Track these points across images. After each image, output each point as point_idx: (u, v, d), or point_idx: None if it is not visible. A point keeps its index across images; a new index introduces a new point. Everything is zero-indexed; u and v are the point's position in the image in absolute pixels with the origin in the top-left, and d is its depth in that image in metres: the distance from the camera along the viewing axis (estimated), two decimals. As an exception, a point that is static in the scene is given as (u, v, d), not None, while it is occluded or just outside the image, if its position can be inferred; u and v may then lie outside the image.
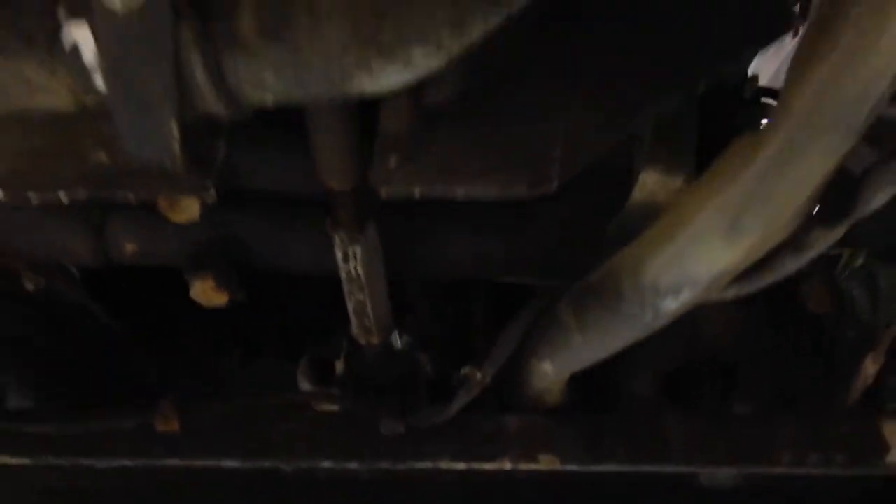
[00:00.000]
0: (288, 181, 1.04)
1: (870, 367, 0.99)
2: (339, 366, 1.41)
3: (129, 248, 1.09)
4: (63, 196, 0.73)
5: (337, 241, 0.95)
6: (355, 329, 1.08)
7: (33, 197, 0.72)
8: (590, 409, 1.10)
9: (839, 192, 0.58)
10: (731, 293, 0.70)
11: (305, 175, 0.96)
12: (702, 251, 0.64)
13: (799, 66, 0.54)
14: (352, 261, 0.97)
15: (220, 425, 1.07)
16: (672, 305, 0.70)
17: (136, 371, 1.38)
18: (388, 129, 0.75)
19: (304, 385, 1.44)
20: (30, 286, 1.20)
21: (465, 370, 0.97)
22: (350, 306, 1.04)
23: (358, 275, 0.99)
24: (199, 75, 0.62)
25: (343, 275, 1.00)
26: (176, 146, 0.67)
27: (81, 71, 0.63)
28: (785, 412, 1.17)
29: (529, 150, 0.71)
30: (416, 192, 0.75)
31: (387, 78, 0.63)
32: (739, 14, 0.76)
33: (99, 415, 1.09)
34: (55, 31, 0.63)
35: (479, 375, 0.95)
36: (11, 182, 0.73)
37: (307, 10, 0.60)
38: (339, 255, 0.98)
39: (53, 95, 0.67)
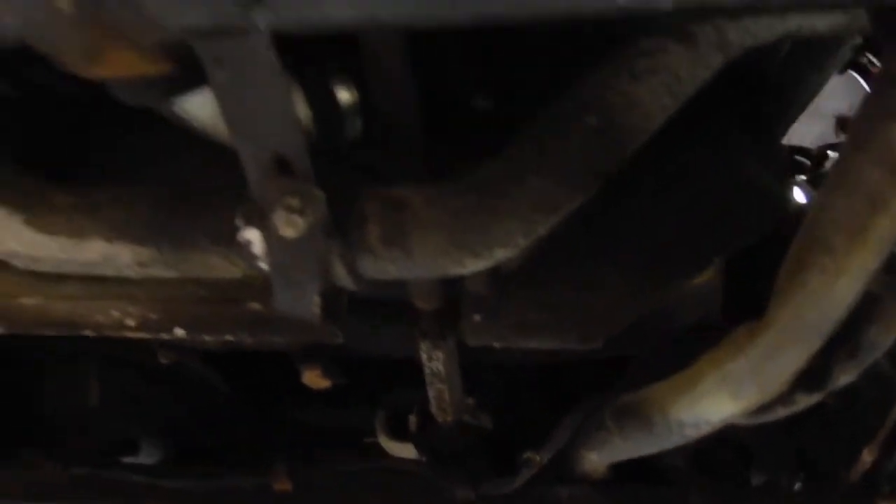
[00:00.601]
0: (380, 291, 1.25)
1: (867, 457, 1.15)
2: (413, 420, 1.62)
3: (249, 339, 1.31)
4: (229, 337, 0.95)
5: (423, 346, 1.16)
6: (434, 409, 1.28)
7: (207, 338, 0.94)
8: (630, 478, 1.28)
9: (813, 371, 0.77)
10: (741, 422, 0.89)
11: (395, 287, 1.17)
12: (712, 403, 0.82)
13: (780, 286, 0.72)
14: (434, 361, 1.18)
15: (324, 485, 1.29)
16: (693, 433, 0.89)
17: (243, 426, 1.61)
18: (472, 292, 0.96)
19: (383, 438, 1.65)
20: (164, 360, 1.44)
21: (527, 454, 1.16)
22: (431, 393, 1.25)
23: (439, 371, 1.19)
24: (338, 269, 0.84)
25: (426, 370, 1.21)
26: (317, 309, 0.88)
27: (251, 259, 0.85)
28: (793, 486, 1.34)
29: (580, 313, 0.91)
30: (497, 344, 0.95)
31: (474, 266, 0.84)
32: (750, 200, 0.94)
33: (226, 473, 1.31)
34: (234, 232, 0.85)
35: (538, 458, 1.15)
36: (191, 326, 0.95)
37: (417, 225, 0.81)
38: (423, 356, 1.18)
39: (227, 272, 0.89)
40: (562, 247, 0.87)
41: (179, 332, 0.96)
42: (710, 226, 0.92)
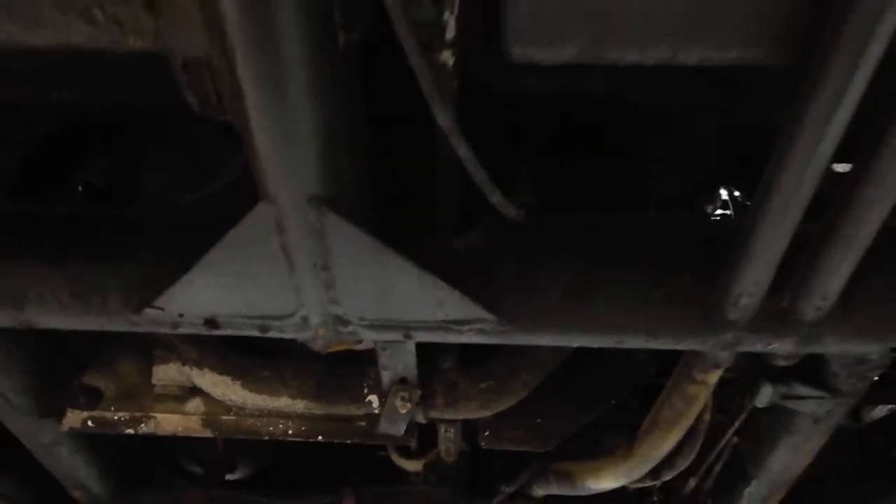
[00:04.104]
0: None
1: (691, 482, 1.90)
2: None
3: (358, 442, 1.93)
4: (347, 441, 1.58)
5: (442, 427, 1.83)
6: (443, 455, 1.95)
7: (323, 437, 1.57)
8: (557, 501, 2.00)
9: (656, 469, 1.48)
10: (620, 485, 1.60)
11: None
12: (605, 481, 1.53)
13: (641, 437, 1.42)
14: (448, 433, 1.85)
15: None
16: (594, 491, 1.59)
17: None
18: (483, 420, 1.63)
19: (394, 456, 2.31)
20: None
21: (502, 486, 1.86)
22: (443, 446, 1.92)
23: (450, 437, 1.87)
24: (419, 416, 1.49)
25: (442, 437, 1.87)
26: (402, 432, 1.54)
27: (370, 409, 1.49)
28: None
29: (541, 432, 1.59)
30: (495, 447, 1.63)
31: (490, 412, 1.51)
32: (632, 369, 1.63)
33: (302, 493, 1.95)
34: (362, 395, 1.49)
35: (507, 489, 1.85)
36: (326, 434, 1.57)
37: (462, 398, 1.47)
38: (441, 430, 1.85)
39: (353, 413, 1.53)
40: (532, 397, 1.54)
41: (319, 438, 1.59)
42: (610, 382, 1.61)
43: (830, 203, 0.99)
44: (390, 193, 1.20)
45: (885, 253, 1.12)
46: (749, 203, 1.49)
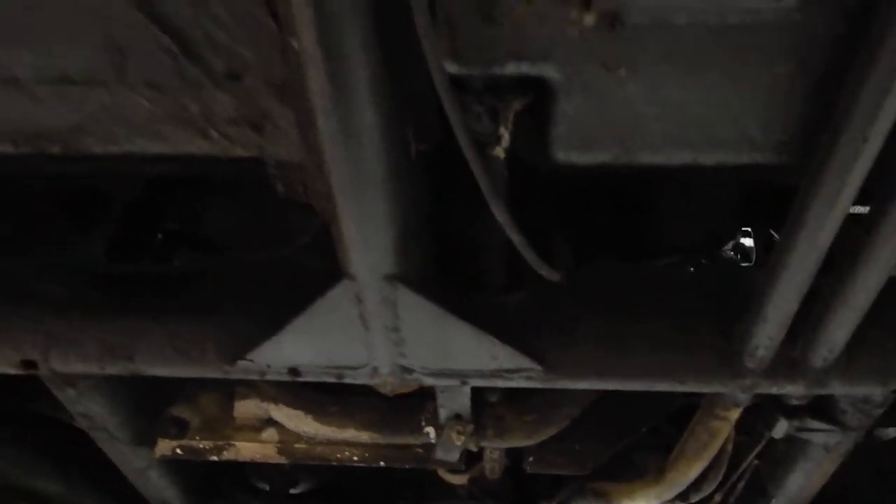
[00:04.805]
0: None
1: (717, 498, 2.04)
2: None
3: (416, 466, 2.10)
4: (403, 465, 1.75)
5: (487, 450, 1.99)
6: (487, 472, 2.12)
7: (385, 462, 1.74)
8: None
9: (684, 492, 1.62)
10: None
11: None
12: (639, 502, 1.68)
13: (671, 462, 1.57)
14: (493, 453, 2.01)
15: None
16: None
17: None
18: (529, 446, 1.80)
19: (443, 472, 2.48)
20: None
21: (542, 502, 2.02)
22: (487, 466, 2.08)
23: (495, 458, 2.03)
24: (471, 445, 1.65)
25: (487, 457, 2.04)
26: (457, 458, 1.70)
27: (428, 439, 1.66)
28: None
29: (580, 456, 1.75)
30: (539, 472, 1.79)
31: (534, 441, 1.67)
32: (656, 403, 1.77)
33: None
34: (420, 427, 1.66)
35: (548, 505, 2.01)
36: (387, 459, 1.75)
37: (508, 429, 1.63)
38: (486, 452, 2.01)
39: (412, 442, 1.70)
40: (571, 425, 1.70)
41: (382, 463, 1.76)
42: (642, 411, 1.77)
43: (835, 267, 1.12)
44: (442, 250, 1.35)
45: (885, 305, 1.26)
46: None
